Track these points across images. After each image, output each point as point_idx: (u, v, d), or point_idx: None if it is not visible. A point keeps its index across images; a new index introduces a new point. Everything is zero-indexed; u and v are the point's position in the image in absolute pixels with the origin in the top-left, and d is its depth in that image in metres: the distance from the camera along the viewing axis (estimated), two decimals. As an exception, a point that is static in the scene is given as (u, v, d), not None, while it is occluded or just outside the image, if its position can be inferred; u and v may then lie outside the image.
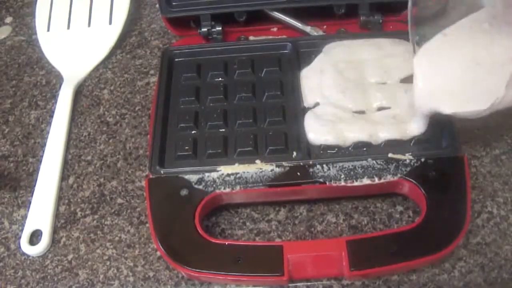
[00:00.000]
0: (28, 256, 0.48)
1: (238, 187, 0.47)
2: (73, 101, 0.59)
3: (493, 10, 0.43)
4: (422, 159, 0.46)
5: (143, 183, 0.51)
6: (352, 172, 0.46)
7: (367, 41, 0.55)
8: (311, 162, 0.47)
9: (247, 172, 0.47)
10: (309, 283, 0.44)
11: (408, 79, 0.50)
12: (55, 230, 0.50)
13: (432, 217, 0.44)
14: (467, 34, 0.44)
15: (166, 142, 0.50)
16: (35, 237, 0.49)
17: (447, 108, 0.43)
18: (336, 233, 0.47)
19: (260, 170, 0.47)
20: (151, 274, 0.46)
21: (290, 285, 0.44)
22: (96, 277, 0.46)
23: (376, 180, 0.46)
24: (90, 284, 0.46)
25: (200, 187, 0.47)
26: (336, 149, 0.48)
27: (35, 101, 0.61)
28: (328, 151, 0.48)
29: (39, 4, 0.67)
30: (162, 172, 0.48)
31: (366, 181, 0.46)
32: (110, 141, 0.56)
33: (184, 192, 0.47)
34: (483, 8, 0.44)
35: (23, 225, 0.50)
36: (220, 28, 0.58)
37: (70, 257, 0.48)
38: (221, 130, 0.51)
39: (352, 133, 0.48)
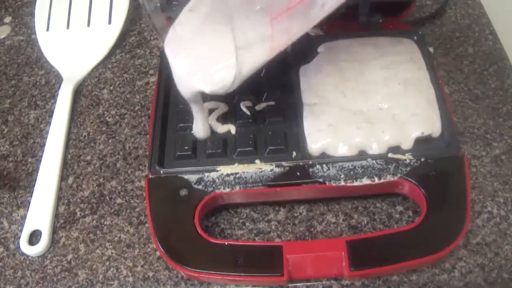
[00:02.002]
0: (28, 256, 0.48)
1: (237, 187, 0.46)
2: (72, 101, 0.59)
3: None
4: (422, 159, 0.46)
5: (143, 183, 0.51)
6: (351, 172, 0.46)
7: (367, 40, 0.55)
8: (310, 162, 0.47)
9: (247, 172, 0.47)
10: (308, 283, 0.44)
11: (408, 79, 0.50)
12: (54, 230, 0.50)
13: (432, 217, 0.43)
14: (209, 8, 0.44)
15: (166, 142, 0.50)
16: (34, 237, 0.49)
17: (205, 87, 0.43)
18: (336, 233, 0.47)
19: (260, 170, 0.47)
20: (150, 274, 0.46)
21: (289, 285, 0.44)
22: (95, 277, 0.46)
23: (376, 180, 0.46)
24: (89, 284, 0.46)
25: (200, 187, 0.47)
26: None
27: (35, 101, 0.60)
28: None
29: (39, 3, 0.67)
30: (161, 172, 0.48)
31: (366, 181, 0.46)
32: (110, 141, 0.56)
33: (183, 192, 0.47)
34: None
35: (22, 225, 0.50)
36: (220, 28, 0.58)
37: (69, 257, 0.48)
38: (220, 130, 0.51)
39: (351, 135, 0.47)
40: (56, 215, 0.51)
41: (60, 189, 0.52)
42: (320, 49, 0.55)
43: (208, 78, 0.43)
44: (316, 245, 0.45)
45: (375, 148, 0.47)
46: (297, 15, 0.42)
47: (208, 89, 0.43)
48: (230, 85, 0.42)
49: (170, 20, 0.58)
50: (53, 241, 0.49)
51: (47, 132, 0.56)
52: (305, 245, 0.45)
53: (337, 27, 0.59)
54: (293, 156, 0.48)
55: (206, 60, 0.43)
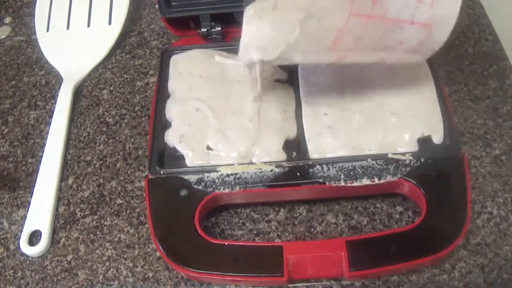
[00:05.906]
0: (28, 256, 0.48)
1: (237, 188, 0.46)
2: (72, 101, 0.59)
3: None
4: (422, 159, 0.46)
5: (143, 183, 0.51)
6: (351, 173, 0.46)
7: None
8: (310, 163, 0.47)
9: (247, 172, 0.47)
10: (308, 284, 0.44)
11: (408, 79, 0.50)
12: (54, 231, 0.50)
13: (432, 217, 0.43)
14: None
15: (166, 143, 0.50)
16: (34, 237, 0.49)
17: (256, 56, 0.46)
18: (336, 233, 0.47)
19: (260, 171, 0.47)
20: (150, 274, 0.46)
21: (289, 285, 0.44)
22: (95, 277, 0.46)
23: (376, 181, 0.46)
24: (89, 285, 0.46)
25: (200, 187, 0.47)
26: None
27: (35, 101, 0.60)
28: (328, 152, 0.48)
29: (39, 4, 0.67)
30: (161, 172, 0.48)
31: (365, 181, 0.46)
32: (110, 141, 0.56)
33: (183, 192, 0.47)
34: None
35: (22, 225, 0.50)
36: (220, 29, 0.58)
37: (69, 257, 0.48)
38: (220, 130, 0.51)
39: (351, 135, 0.47)
40: (56, 216, 0.51)
41: (60, 189, 0.52)
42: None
43: (265, 51, 0.46)
44: (316, 245, 0.45)
45: (375, 149, 0.47)
46: (374, 30, 0.41)
47: (259, 58, 0.46)
48: (282, 55, 0.43)
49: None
50: (53, 241, 0.49)
51: (47, 133, 0.56)
52: (305, 246, 0.45)
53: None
54: (293, 156, 0.48)
55: (269, 37, 0.47)
